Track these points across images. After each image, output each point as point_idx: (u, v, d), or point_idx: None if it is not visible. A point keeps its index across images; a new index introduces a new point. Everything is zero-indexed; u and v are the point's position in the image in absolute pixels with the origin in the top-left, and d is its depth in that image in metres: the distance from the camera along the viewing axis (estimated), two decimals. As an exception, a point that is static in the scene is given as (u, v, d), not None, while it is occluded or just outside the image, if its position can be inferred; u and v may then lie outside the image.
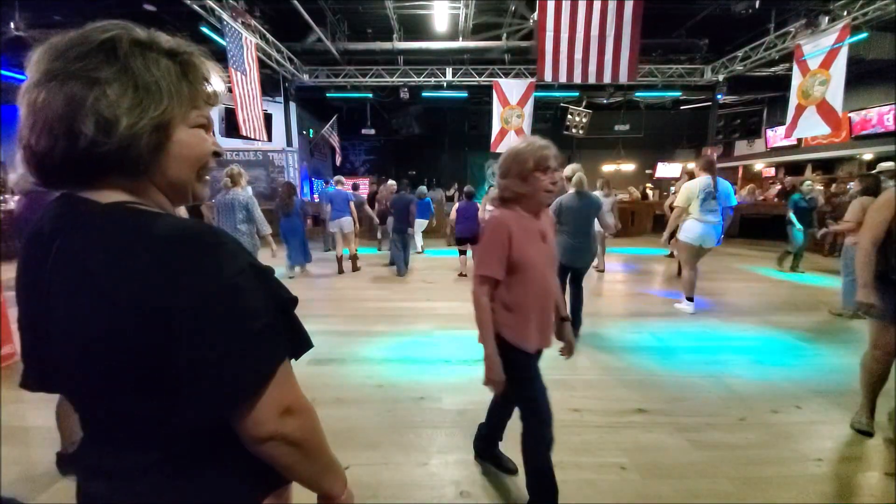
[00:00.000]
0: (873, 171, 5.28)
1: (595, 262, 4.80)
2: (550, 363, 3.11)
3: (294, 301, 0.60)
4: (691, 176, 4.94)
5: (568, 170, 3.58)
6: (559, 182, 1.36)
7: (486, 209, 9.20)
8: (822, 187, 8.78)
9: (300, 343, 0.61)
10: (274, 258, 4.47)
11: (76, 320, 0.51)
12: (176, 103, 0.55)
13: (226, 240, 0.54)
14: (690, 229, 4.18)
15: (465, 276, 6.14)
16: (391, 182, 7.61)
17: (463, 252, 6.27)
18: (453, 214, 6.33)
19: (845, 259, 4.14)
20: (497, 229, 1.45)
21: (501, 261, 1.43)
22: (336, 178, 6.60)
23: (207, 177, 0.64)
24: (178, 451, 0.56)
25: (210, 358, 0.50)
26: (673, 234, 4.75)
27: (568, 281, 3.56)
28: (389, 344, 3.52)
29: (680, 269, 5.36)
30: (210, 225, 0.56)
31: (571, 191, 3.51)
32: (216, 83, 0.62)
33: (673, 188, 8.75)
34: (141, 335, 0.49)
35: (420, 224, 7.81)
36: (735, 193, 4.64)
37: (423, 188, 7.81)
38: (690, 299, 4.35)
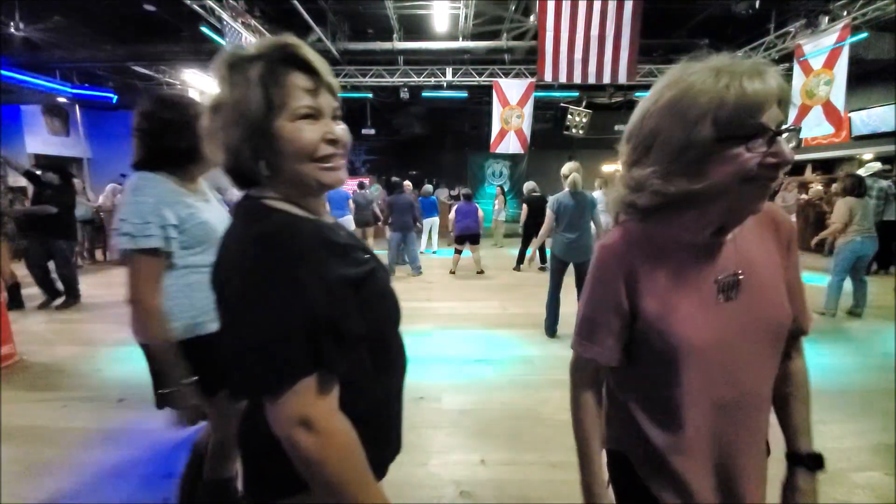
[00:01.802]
0: (857, 172, 5.28)
1: None
2: (550, 362, 3.15)
3: (332, 326, 0.58)
4: None
5: (565, 168, 3.64)
6: (785, 159, 0.59)
7: (497, 207, 9.27)
8: (821, 187, 8.78)
9: (325, 369, 0.58)
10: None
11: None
12: (262, 108, 0.58)
13: (294, 244, 0.58)
14: None
15: (455, 273, 6.27)
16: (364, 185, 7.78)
17: (459, 251, 6.35)
18: (452, 214, 6.43)
19: (836, 259, 4.15)
20: (601, 269, 0.74)
21: (612, 332, 0.73)
22: None
23: (332, 164, 0.64)
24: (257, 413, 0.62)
25: (234, 347, 0.58)
26: None
27: (575, 283, 3.59)
28: (389, 344, 3.52)
29: None
30: (292, 227, 0.60)
31: (566, 190, 3.59)
32: (323, 70, 0.63)
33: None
34: (219, 307, 0.61)
35: (428, 223, 7.89)
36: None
37: (429, 187, 7.95)
38: None
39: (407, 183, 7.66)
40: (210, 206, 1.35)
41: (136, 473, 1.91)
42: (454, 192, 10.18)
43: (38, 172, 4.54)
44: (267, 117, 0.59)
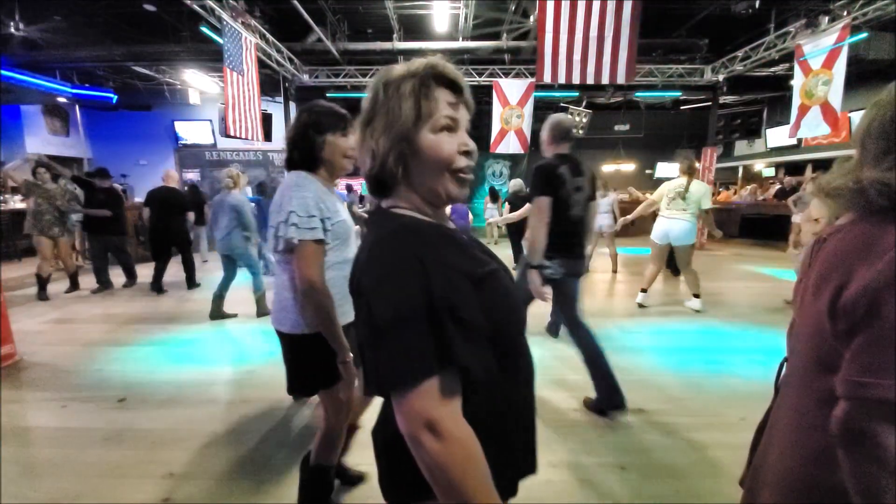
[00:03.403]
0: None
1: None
2: (550, 363, 3.15)
3: (452, 310, 0.58)
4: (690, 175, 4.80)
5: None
6: None
7: (487, 206, 9.22)
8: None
9: (450, 360, 0.57)
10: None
11: None
12: (412, 117, 0.64)
13: (416, 237, 0.62)
14: (655, 227, 4.47)
15: None
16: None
17: None
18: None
19: None
20: None
21: None
22: None
23: (465, 175, 0.68)
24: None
25: (365, 337, 0.60)
26: (633, 222, 5.04)
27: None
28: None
29: (675, 271, 5.39)
30: (414, 225, 0.65)
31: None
32: (464, 87, 0.69)
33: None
34: (356, 309, 0.65)
35: None
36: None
37: None
38: (644, 290, 4.65)
39: None
40: (343, 207, 1.46)
41: (136, 473, 1.91)
42: None
43: (94, 179, 5.36)
44: (414, 126, 0.64)
